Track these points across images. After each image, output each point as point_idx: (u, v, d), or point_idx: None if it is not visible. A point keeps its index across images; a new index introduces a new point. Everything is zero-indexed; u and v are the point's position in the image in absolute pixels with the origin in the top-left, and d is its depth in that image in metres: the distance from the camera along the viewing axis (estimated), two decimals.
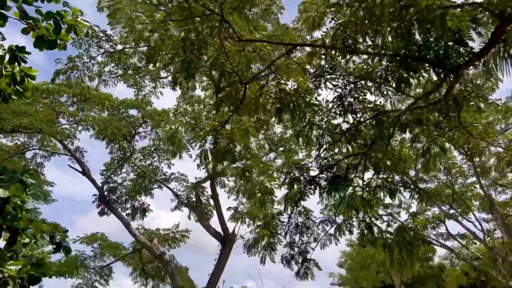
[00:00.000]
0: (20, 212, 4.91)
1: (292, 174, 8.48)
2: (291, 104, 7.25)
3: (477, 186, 25.71)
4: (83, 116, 22.97)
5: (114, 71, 16.27)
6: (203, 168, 8.06)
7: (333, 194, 8.69)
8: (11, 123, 15.14)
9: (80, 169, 24.53)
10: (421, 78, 7.77)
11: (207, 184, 25.98)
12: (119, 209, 26.11)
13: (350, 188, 9.00)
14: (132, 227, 24.58)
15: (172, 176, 27.75)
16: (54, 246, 5.15)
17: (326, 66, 8.47)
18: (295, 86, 7.13)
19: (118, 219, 24.98)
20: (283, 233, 9.81)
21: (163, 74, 19.23)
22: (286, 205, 9.05)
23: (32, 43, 5.22)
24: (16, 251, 5.18)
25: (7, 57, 5.15)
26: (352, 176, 8.61)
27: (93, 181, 24.78)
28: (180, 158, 27.76)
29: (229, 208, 23.84)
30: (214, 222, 24.65)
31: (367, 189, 9.02)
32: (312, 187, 8.80)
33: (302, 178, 8.64)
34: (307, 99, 7.25)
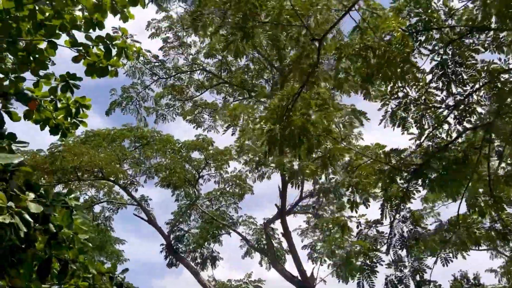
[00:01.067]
0: (73, 243, 4.10)
1: (389, 165, 6.40)
2: (382, 67, 5.42)
3: None
4: (146, 162, 22.40)
5: (171, 103, 15.47)
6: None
7: (448, 188, 6.44)
8: (72, 163, 14.57)
9: (146, 218, 23.66)
10: None
11: (278, 226, 23.95)
12: (188, 259, 24.60)
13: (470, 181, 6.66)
14: (202, 276, 22.80)
15: (240, 219, 26.05)
16: (115, 287, 4.54)
17: (419, 24, 6.59)
18: (386, 38, 5.32)
19: (186, 268, 23.45)
20: (383, 249, 7.39)
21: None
22: (383, 210, 6.80)
23: (84, 71, 5.00)
24: None
25: (59, 87, 4.93)
26: (473, 161, 6.35)
27: (159, 230, 23.68)
28: (241, 200, 26.19)
29: (304, 247, 21.43)
30: (289, 266, 22.39)
31: (493, 179, 6.62)
32: (419, 181, 6.57)
33: (403, 169, 6.53)
34: (404, 56, 5.35)
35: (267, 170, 24.72)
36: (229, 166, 24.26)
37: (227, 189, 26.26)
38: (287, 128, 5.41)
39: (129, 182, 22.07)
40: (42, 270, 3.68)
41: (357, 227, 7.39)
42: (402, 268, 7.20)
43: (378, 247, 7.32)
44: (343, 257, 7.14)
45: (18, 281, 3.58)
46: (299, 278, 19.64)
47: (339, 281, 8.52)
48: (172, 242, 24.37)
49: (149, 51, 13.14)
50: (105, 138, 19.29)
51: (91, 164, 14.95)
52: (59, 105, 4.99)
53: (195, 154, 23.89)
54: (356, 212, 6.95)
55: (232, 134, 14.16)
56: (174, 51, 13.17)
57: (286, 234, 19.41)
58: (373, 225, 7.36)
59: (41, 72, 4.81)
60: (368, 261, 7.02)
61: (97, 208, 25.40)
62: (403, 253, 7.27)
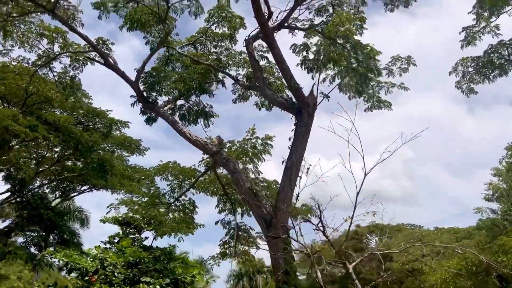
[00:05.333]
0: None
1: None
2: None
3: None
4: None
5: None
6: None
7: None
8: None
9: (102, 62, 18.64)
10: None
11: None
12: (168, 113, 19.75)
13: None
14: (181, 126, 18.08)
15: (229, 61, 20.45)
16: None
17: None
18: None
19: (164, 119, 18.80)
20: None
21: None
22: None
23: None
24: None
25: None
26: None
27: (122, 75, 18.60)
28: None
29: (296, 50, 15.30)
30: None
31: None
32: None
33: None
34: None
35: None
36: None
37: (214, 28, 20.29)
38: None
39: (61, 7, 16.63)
40: None
41: None
42: None
43: None
44: None
45: None
46: (293, 99, 14.18)
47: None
48: (143, 90, 19.47)
49: None
50: None
51: None
52: None
53: None
54: None
55: None
56: None
57: (268, 37, 13.55)
58: None
59: None
60: None
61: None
62: None
